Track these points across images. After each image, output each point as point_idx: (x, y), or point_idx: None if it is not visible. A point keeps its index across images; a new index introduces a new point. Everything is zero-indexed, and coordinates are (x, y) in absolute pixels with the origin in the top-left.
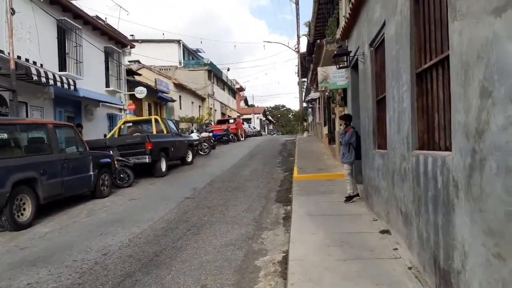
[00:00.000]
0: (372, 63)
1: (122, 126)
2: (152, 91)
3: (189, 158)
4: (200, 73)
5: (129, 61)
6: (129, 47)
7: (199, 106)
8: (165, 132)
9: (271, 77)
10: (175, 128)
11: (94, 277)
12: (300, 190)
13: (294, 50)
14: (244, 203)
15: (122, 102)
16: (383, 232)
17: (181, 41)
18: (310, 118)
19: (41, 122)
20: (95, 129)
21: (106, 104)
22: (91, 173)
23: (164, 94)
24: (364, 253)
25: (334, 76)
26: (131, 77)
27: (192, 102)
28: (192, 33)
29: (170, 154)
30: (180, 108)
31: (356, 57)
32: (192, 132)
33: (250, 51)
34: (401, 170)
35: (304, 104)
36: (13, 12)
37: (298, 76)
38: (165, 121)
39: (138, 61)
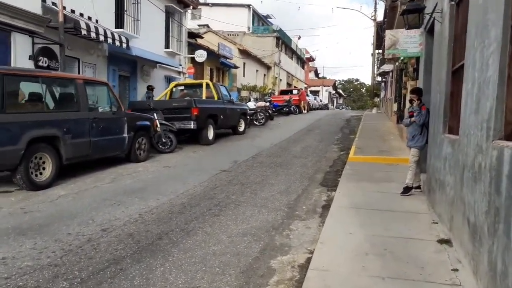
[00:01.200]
0: (452, 22)
1: (174, 89)
2: (215, 56)
3: (241, 128)
4: (268, 40)
5: (198, 25)
6: (191, 7)
7: (264, 75)
8: (215, 98)
9: (344, 47)
10: (228, 95)
11: (77, 258)
12: (352, 174)
13: (370, 18)
14: (283, 183)
15: (181, 64)
16: (443, 242)
17: (251, 6)
18: (382, 94)
19: (69, 76)
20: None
21: (163, 65)
22: (125, 135)
23: (227, 60)
24: (411, 270)
25: (405, 42)
26: (193, 40)
27: (257, 70)
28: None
29: (219, 122)
30: (244, 76)
31: (433, 17)
32: (249, 100)
33: (325, 21)
34: (474, 165)
35: (379, 78)
36: None
37: (372, 47)
38: (217, 86)
39: (207, 25)
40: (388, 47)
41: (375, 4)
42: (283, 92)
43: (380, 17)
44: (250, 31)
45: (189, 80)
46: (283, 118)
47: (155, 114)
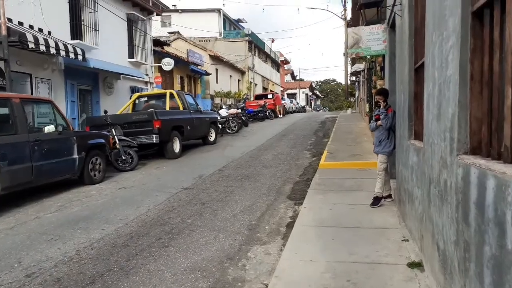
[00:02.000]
0: (411, 13)
1: (137, 101)
2: (184, 63)
3: (211, 138)
4: (241, 44)
5: (168, 32)
6: (155, 14)
7: (239, 80)
8: (181, 108)
9: (318, 48)
10: (194, 104)
11: None
12: (321, 183)
13: (340, 17)
14: (248, 198)
15: (147, 74)
16: (413, 265)
17: (221, 10)
18: (357, 93)
19: (1, 96)
20: (115, 104)
21: (128, 76)
22: (75, 156)
23: (198, 66)
24: None
25: (368, 39)
26: (160, 48)
27: (231, 76)
28: (233, 4)
29: (186, 133)
30: (217, 82)
31: (394, 11)
32: (221, 108)
33: (297, 23)
34: (440, 182)
35: (353, 78)
36: None
37: (345, 46)
38: (182, 96)
39: (178, 32)
40: (351, 45)
41: (344, 2)
42: (257, 97)
43: (349, 15)
44: (222, 36)
45: (156, 90)
46: (258, 124)
47: (113, 130)
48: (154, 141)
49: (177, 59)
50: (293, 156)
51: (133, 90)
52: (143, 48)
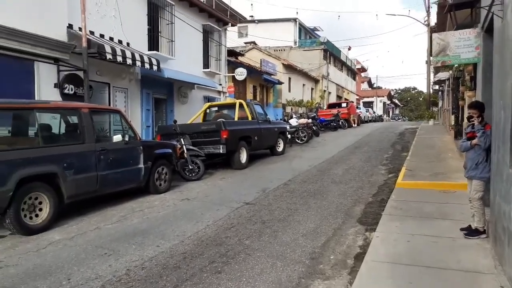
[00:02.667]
0: None
1: (208, 111)
2: (257, 73)
3: (280, 148)
4: (316, 53)
5: (244, 43)
6: (230, 24)
7: (312, 89)
8: (249, 118)
9: (397, 55)
10: (263, 114)
11: None
12: (398, 207)
13: (423, 23)
14: (313, 220)
15: (220, 84)
16: None
17: (297, 19)
18: (440, 103)
19: (71, 106)
20: (189, 113)
21: (202, 86)
22: (141, 166)
23: (271, 76)
24: None
25: (457, 46)
26: (234, 58)
27: (304, 84)
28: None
29: (253, 144)
30: (289, 91)
31: (491, 12)
32: (291, 117)
33: (376, 29)
34: None
35: (436, 86)
36: None
37: (427, 53)
38: (251, 105)
39: (254, 42)
40: (436, 53)
41: (428, 7)
42: (330, 106)
43: (434, 21)
44: (297, 45)
45: (228, 100)
46: (330, 134)
47: (182, 139)
48: (221, 151)
49: (250, 69)
50: (366, 172)
51: (207, 99)
52: (218, 58)
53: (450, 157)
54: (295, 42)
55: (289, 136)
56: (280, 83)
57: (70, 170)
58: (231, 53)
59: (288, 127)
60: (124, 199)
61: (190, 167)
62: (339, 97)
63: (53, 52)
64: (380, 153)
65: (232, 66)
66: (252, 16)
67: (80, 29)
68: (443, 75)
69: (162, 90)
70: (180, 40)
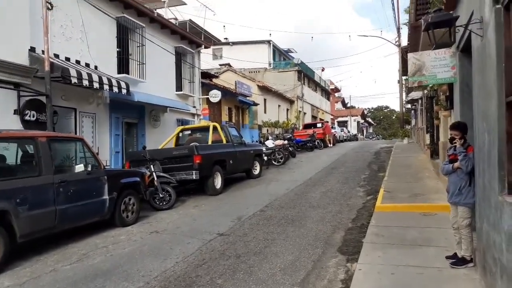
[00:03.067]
0: (499, 33)
1: (181, 134)
2: (232, 95)
3: (256, 171)
4: (290, 74)
5: (219, 64)
6: (203, 46)
7: (287, 109)
8: (224, 141)
9: (370, 75)
10: (238, 136)
11: None
12: (379, 233)
13: (394, 44)
14: (291, 250)
15: (194, 106)
16: None
17: (271, 41)
18: (413, 122)
19: (26, 135)
20: (161, 137)
21: (175, 109)
22: (105, 197)
23: (246, 97)
24: None
25: (433, 65)
26: (208, 80)
27: (279, 106)
28: (284, 34)
29: (229, 168)
30: (265, 112)
31: (469, 30)
32: (267, 139)
33: (349, 50)
34: None
35: (409, 105)
36: (50, 7)
37: (399, 73)
38: (225, 128)
39: (229, 64)
40: (412, 73)
41: (398, 28)
42: (306, 126)
43: (404, 41)
44: (272, 67)
45: (203, 122)
46: (306, 154)
47: (152, 166)
48: (194, 177)
49: (225, 91)
50: (344, 194)
51: (180, 122)
52: (191, 80)
53: (427, 177)
54: (269, 64)
55: (265, 158)
56: (256, 104)
57: (23, 206)
58: (205, 75)
59: (264, 149)
60: (88, 234)
61: (161, 195)
62: (314, 117)
63: (13, 76)
64: (357, 173)
65: (206, 88)
66: (226, 39)
67: (43, 52)
68: (415, 94)
69: (132, 114)
70: (152, 63)
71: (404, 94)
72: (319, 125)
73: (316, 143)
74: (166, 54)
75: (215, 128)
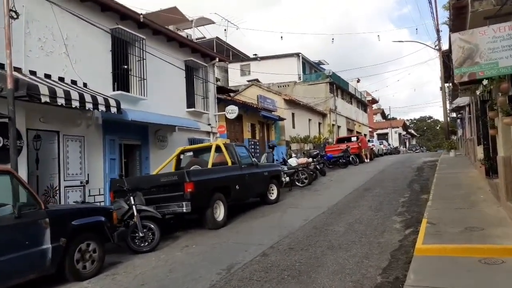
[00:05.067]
0: None
1: (182, 156)
2: (254, 110)
3: (273, 196)
4: (321, 86)
5: (247, 81)
6: (217, 59)
7: (319, 123)
8: (229, 163)
9: (408, 84)
10: (248, 156)
11: None
12: None
13: (434, 48)
14: None
15: (209, 124)
16: None
17: (300, 54)
18: (459, 132)
19: None
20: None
21: (186, 128)
22: (46, 246)
23: (271, 112)
24: None
25: (492, 49)
26: (226, 95)
27: (310, 119)
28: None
29: (234, 194)
30: (293, 127)
31: None
32: (290, 157)
33: (385, 59)
34: None
35: (454, 114)
36: (15, 15)
37: (440, 80)
38: (231, 147)
39: (257, 80)
40: (459, 62)
41: (438, 30)
42: (339, 141)
43: (445, 45)
44: (302, 80)
45: (221, 141)
46: (338, 171)
47: (131, 198)
48: (185, 210)
49: (247, 106)
50: (376, 227)
51: (192, 142)
52: (204, 96)
53: (483, 200)
54: (299, 77)
55: (287, 179)
56: (281, 119)
57: None
58: (223, 90)
59: (286, 168)
60: None
61: (141, 234)
62: (350, 130)
63: None
64: (395, 196)
65: (224, 104)
66: (255, 55)
67: (16, 69)
68: (461, 100)
69: (133, 135)
70: (156, 79)
71: (447, 102)
72: (353, 138)
73: (350, 158)
74: (173, 69)
75: (218, 148)
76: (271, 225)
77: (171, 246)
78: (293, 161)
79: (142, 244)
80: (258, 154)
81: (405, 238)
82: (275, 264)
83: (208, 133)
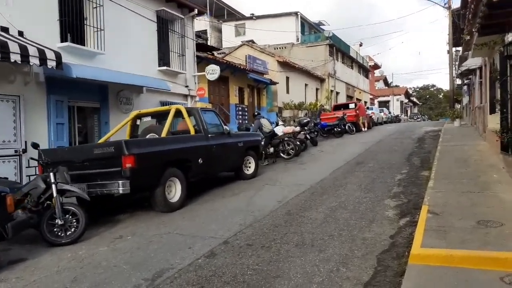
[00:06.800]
0: None
1: (139, 122)
2: (242, 72)
3: (249, 170)
4: (320, 48)
5: (241, 41)
6: (196, 11)
7: (317, 89)
8: (191, 131)
9: (414, 47)
10: (220, 124)
11: None
12: None
13: (443, 6)
14: None
15: (187, 86)
16: None
17: (298, 13)
18: (465, 100)
19: None
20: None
21: (157, 89)
22: None
23: (263, 75)
24: None
25: None
26: (209, 54)
27: (306, 85)
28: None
29: (197, 169)
30: (287, 92)
31: None
32: (276, 124)
33: (389, 25)
34: None
35: (458, 81)
36: None
37: (448, 44)
38: (196, 112)
39: (252, 41)
40: None
41: None
42: (336, 108)
43: (456, 3)
44: (300, 42)
45: (200, 104)
46: (332, 141)
47: (52, 175)
48: (121, 191)
49: (233, 67)
50: (362, 214)
51: (165, 105)
52: (181, 53)
53: (497, 181)
54: (297, 39)
55: (271, 149)
56: (274, 83)
57: None
58: (205, 48)
59: (265, 139)
60: None
61: (60, 221)
62: (349, 97)
63: None
64: (390, 172)
65: (206, 63)
66: (252, 14)
67: None
68: (472, 62)
69: (89, 97)
70: (121, 31)
71: (454, 68)
72: (351, 105)
73: (346, 127)
74: (142, 20)
75: (178, 112)
76: (237, 207)
77: (102, 236)
78: (278, 130)
79: (62, 234)
80: (246, 121)
81: (398, 232)
82: (218, 271)
83: (185, 96)
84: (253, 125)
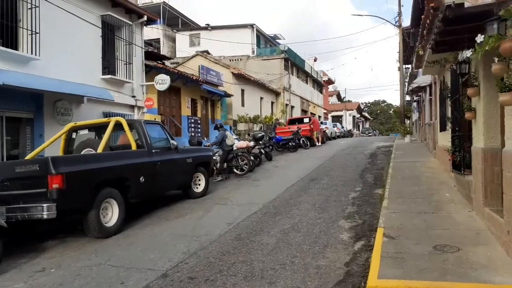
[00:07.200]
0: None
1: (75, 135)
2: (196, 83)
3: (199, 187)
4: (275, 62)
5: (196, 52)
6: (145, 17)
7: (272, 102)
8: (133, 146)
9: (366, 63)
10: (167, 138)
11: None
12: None
13: (394, 24)
14: None
15: (134, 96)
16: None
17: (254, 26)
18: (414, 116)
19: None
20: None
21: (100, 99)
22: None
23: (217, 87)
24: None
25: None
26: (158, 63)
27: (262, 98)
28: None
29: (137, 190)
30: (243, 105)
31: None
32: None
33: (343, 42)
34: None
35: (407, 98)
36: None
37: (399, 61)
38: (138, 125)
39: (207, 52)
40: None
41: (399, 6)
42: (291, 122)
43: (406, 22)
44: (255, 54)
45: (148, 116)
46: (287, 156)
47: None
48: (46, 216)
49: (185, 78)
50: (316, 238)
51: (107, 116)
52: (127, 61)
53: (449, 201)
54: (253, 51)
55: (224, 165)
56: (228, 95)
57: None
58: (155, 56)
59: (218, 154)
60: None
61: None
62: (304, 111)
63: None
64: (344, 189)
65: (155, 73)
66: (208, 25)
67: None
68: (422, 80)
69: (21, 106)
70: (60, 35)
71: (404, 85)
72: (306, 120)
73: (300, 141)
74: (84, 25)
75: (119, 125)
76: (182, 232)
77: (20, 269)
78: (228, 142)
79: None
80: (199, 134)
81: (354, 258)
82: None
83: (132, 107)
84: (214, 137)
